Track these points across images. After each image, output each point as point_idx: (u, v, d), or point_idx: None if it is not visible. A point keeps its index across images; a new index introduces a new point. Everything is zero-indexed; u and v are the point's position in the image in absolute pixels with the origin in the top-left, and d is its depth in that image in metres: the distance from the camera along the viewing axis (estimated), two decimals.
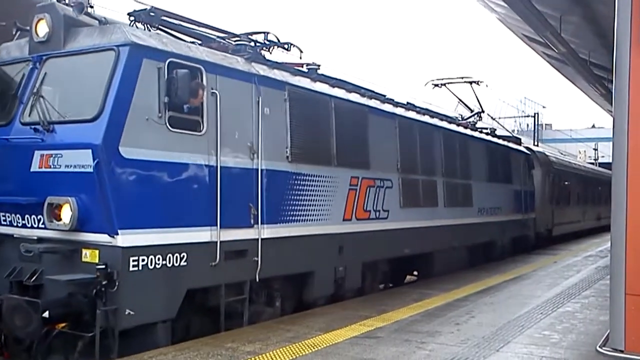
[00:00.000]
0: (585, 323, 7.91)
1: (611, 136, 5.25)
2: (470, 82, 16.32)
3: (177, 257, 6.51)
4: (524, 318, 8.15)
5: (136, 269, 6.09)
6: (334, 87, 9.33)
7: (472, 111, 16.74)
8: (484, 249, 15.25)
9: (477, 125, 16.17)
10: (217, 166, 6.96)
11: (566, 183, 24.46)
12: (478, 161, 14.57)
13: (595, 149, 50.85)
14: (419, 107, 12.25)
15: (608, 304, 5.48)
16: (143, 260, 6.17)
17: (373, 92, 10.62)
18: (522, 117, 49.60)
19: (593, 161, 47.28)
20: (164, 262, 6.38)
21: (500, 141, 16.88)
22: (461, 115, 16.32)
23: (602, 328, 7.22)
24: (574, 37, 15.08)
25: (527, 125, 51.38)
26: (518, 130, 48.49)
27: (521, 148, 18.83)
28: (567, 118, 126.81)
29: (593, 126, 58.33)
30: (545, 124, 58.50)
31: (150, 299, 6.27)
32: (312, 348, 6.42)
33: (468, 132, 14.48)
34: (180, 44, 7.02)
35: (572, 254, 18.50)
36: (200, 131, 6.85)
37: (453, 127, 13.66)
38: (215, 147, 6.96)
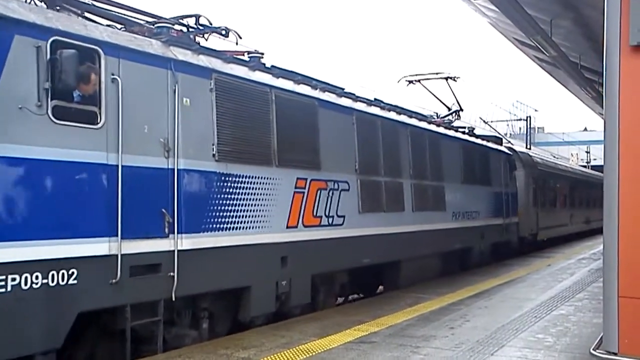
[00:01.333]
0: (579, 326, 7.93)
1: (602, 139, 5.28)
2: (446, 78, 15.11)
3: (63, 274, 5.44)
4: (518, 321, 8.16)
5: (3, 290, 4.99)
6: (278, 77, 8.31)
7: (450, 109, 15.71)
8: (460, 257, 14.31)
9: (454, 124, 15.26)
10: (118, 165, 5.91)
11: (552, 185, 23.47)
12: (452, 161, 13.52)
13: (588, 152, 51.11)
14: (384, 103, 11.26)
15: (601, 306, 5.49)
16: (14, 279, 5.06)
17: (327, 84, 9.56)
18: (514, 120, 49.80)
19: (585, 164, 47.51)
20: (45, 281, 5.28)
21: (478, 140, 15.81)
22: (437, 114, 15.26)
23: (595, 331, 7.23)
24: (564, 41, 15.18)
25: (520, 128, 51.68)
26: (511, 134, 48.69)
27: (502, 148, 17.79)
28: (559, 121, 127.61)
29: (585, 129, 58.71)
30: (538, 127, 58.79)
31: (24, 327, 5.17)
32: (306, 353, 6.41)
33: (441, 130, 13.46)
34: (71, 20, 5.94)
35: (565, 257, 18.57)
36: (97, 124, 5.80)
37: (423, 124, 12.64)
38: (117, 143, 5.91)
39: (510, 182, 17.59)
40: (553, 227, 22.64)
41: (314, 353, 6.44)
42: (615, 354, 5.02)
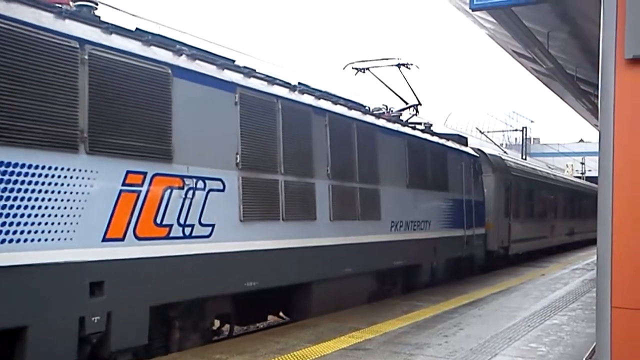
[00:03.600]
0: (572, 335, 7.97)
1: (597, 150, 5.35)
2: (398, 65, 12.97)
3: None
4: (512, 330, 8.20)
5: None
6: (111, 33, 6.16)
7: (407, 103, 13.62)
8: (403, 275, 12.01)
9: (412, 120, 13.40)
10: None
11: (529, 193, 21.14)
12: (394, 161, 11.33)
13: (583, 163, 51.38)
14: (302, 85, 9.24)
15: (594, 316, 5.55)
16: None
17: (204, 52, 7.51)
18: (510, 131, 50.06)
19: (580, 175, 47.75)
20: None
21: (434, 138, 13.48)
22: (386, 106, 12.89)
23: (588, 341, 7.28)
24: (561, 53, 15.31)
25: (516, 139, 51.89)
26: (507, 144, 48.94)
27: (466, 149, 15.43)
28: (555, 132, 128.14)
29: (581, 140, 59.09)
30: (534, 138, 59.04)
31: None
32: None
33: (379, 122, 11.14)
34: None
35: (560, 266, 18.65)
36: None
37: (355, 114, 10.32)
38: None
39: (475, 188, 15.38)
40: (529, 240, 20.43)
41: (308, 359, 6.46)
42: None
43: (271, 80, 8.44)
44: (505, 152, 26.46)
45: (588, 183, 36.02)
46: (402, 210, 11.47)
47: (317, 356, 6.60)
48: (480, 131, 36.71)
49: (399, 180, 11.51)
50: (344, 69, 13.13)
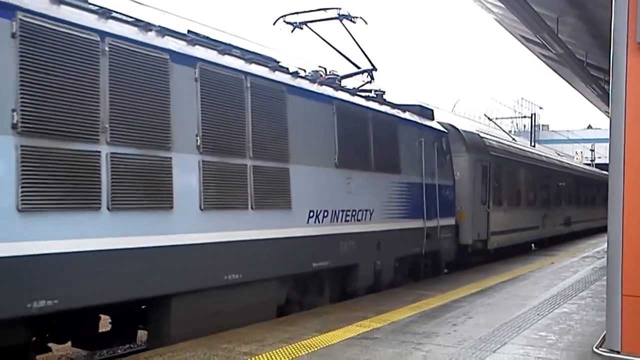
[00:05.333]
0: (581, 324, 7.92)
1: (608, 137, 5.27)
2: (340, 18, 10.67)
3: None
4: (521, 319, 8.16)
5: None
6: None
7: (358, 67, 11.38)
8: (333, 280, 9.58)
9: (365, 88, 11.38)
10: None
11: (514, 177, 18.33)
12: (314, 133, 8.90)
13: (592, 150, 51.06)
14: (195, 34, 7.47)
15: (605, 305, 5.49)
16: None
17: None
18: (518, 117, 49.78)
19: (590, 162, 47.48)
20: None
21: (382, 107, 10.92)
22: (325, 69, 10.41)
23: (598, 329, 7.22)
24: (570, 38, 15.15)
25: (524, 126, 51.64)
26: (515, 131, 48.70)
27: (430, 123, 12.89)
28: (564, 119, 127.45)
29: (589, 127, 58.73)
30: (542, 125, 58.72)
31: None
32: (308, 349, 6.41)
33: (294, 82, 8.67)
34: None
35: (569, 254, 18.56)
36: None
37: (249, 67, 7.83)
38: None
39: (442, 170, 12.85)
40: (514, 231, 17.55)
41: (315, 348, 6.45)
42: (618, 352, 5.02)
43: (103, 12, 6.14)
44: (514, 139, 26.25)
45: (588, 167, 35.46)
46: (328, 197, 9.04)
47: (324, 345, 6.58)
48: (488, 118, 36.55)
49: (324, 157, 9.04)
50: (274, 24, 10.64)
